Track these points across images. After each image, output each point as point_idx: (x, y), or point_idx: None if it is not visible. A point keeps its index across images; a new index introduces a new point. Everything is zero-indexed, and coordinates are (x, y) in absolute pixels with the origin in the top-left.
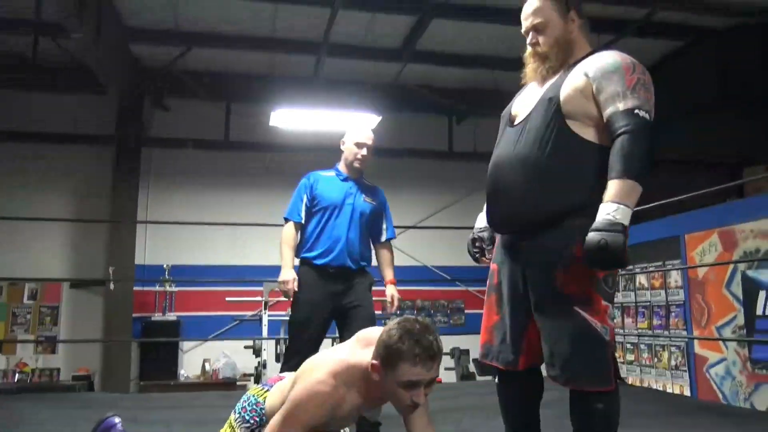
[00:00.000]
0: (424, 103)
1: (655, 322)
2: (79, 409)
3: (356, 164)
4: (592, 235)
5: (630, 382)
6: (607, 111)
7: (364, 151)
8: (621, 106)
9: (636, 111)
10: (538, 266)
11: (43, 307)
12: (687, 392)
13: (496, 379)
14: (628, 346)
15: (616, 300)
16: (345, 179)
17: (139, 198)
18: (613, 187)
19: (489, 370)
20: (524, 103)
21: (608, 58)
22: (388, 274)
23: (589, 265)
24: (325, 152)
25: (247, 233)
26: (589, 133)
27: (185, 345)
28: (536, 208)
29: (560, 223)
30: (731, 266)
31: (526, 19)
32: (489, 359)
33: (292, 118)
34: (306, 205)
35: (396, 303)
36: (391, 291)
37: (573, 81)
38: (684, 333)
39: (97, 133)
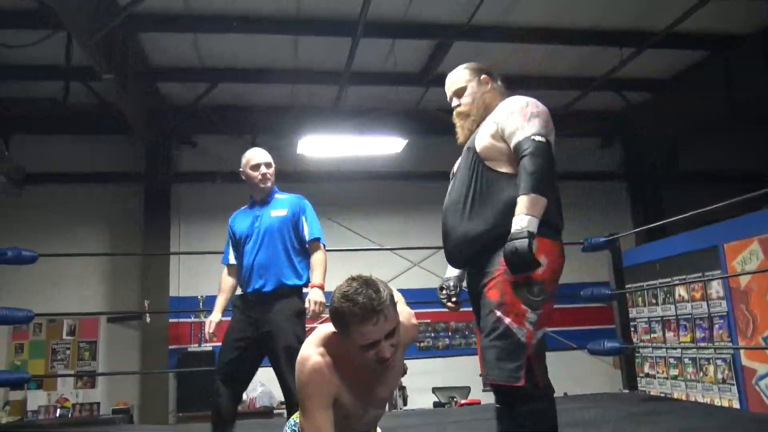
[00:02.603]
0: (448, 125)
1: (698, 334)
2: None
3: (261, 184)
4: (506, 245)
5: (675, 398)
6: (512, 144)
7: (263, 169)
8: (520, 135)
9: (532, 137)
10: (480, 284)
11: (81, 342)
12: (736, 406)
13: None
14: (671, 360)
15: (655, 313)
16: (253, 205)
17: (171, 232)
18: (520, 202)
19: None
20: (459, 158)
21: (509, 104)
22: (313, 277)
23: (510, 270)
24: (352, 179)
25: None
26: (506, 167)
27: None
28: (468, 241)
29: (490, 246)
30: None
31: (449, 89)
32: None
33: (318, 147)
34: (232, 245)
35: (314, 308)
36: (310, 295)
37: (487, 129)
38: (730, 345)
39: (127, 171)
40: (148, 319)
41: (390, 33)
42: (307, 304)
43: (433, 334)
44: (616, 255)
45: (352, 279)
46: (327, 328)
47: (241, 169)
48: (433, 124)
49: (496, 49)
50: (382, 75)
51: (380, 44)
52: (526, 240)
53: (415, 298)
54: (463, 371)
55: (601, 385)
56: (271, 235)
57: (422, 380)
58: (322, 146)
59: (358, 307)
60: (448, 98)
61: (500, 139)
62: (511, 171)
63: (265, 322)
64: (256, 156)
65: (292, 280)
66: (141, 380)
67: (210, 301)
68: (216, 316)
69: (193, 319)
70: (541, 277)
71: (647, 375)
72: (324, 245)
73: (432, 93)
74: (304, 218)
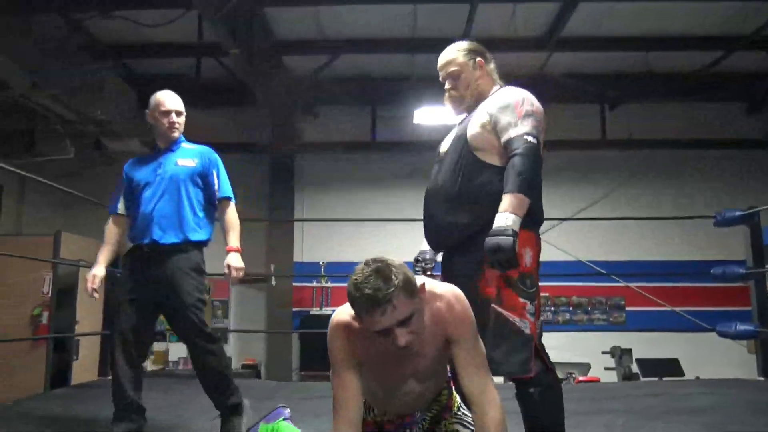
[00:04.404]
0: (572, 91)
1: None
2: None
3: (169, 133)
4: (488, 240)
5: None
6: (503, 138)
7: (173, 117)
8: (513, 133)
9: (525, 136)
10: (466, 277)
11: (215, 301)
12: None
13: None
14: None
15: None
16: (157, 152)
17: (295, 199)
18: (506, 200)
19: (653, 370)
20: (446, 141)
21: (504, 96)
22: (228, 240)
23: (491, 265)
24: None
25: (395, 229)
26: (494, 159)
27: None
28: (455, 229)
29: (477, 238)
30: None
31: (442, 69)
32: None
33: (435, 116)
34: (125, 193)
35: (234, 274)
36: (227, 260)
37: (478, 119)
38: None
39: (255, 141)
40: (273, 282)
41: None
42: (226, 270)
43: (552, 308)
44: (755, 230)
45: (366, 264)
46: None
47: (148, 111)
48: (557, 91)
49: (627, 9)
50: (502, 41)
51: (500, 8)
52: (511, 238)
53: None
54: (585, 347)
55: (734, 370)
56: (175, 185)
57: None
58: (439, 115)
59: (364, 299)
60: (441, 77)
61: (491, 131)
62: (498, 164)
63: (161, 279)
64: (167, 101)
65: (195, 235)
66: (268, 339)
67: (331, 267)
68: (100, 270)
69: (315, 284)
70: (529, 269)
71: None
72: (234, 202)
73: (556, 58)
74: (215, 172)
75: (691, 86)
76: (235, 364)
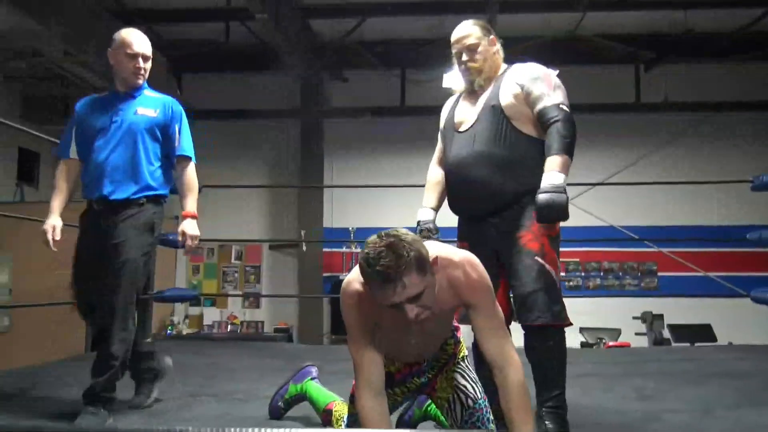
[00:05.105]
0: (606, 53)
1: None
2: (274, 357)
3: (134, 78)
4: (542, 196)
5: None
6: (538, 107)
7: (140, 63)
8: (548, 102)
9: (560, 105)
10: (508, 234)
11: (247, 266)
12: None
13: None
14: None
15: None
16: (115, 95)
17: (324, 165)
18: (554, 160)
19: (685, 336)
20: (466, 112)
21: (532, 69)
22: (184, 205)
23: (540, 219)
24: None
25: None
26: (530, 130)
27: None
28: (501, 192)
29: (520, 200)
30: None
31: (459, 42)
32: None
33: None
34: (77, 136)
35: (189, 242)
36: (182, 227)
37: (509, 89)
38: None
39: (283, 107)
40: (304, 248)
41: None
42: (180, 237)
43: (583, 274)
44: None
45: (380, 238)
46: None
47: (110, 50)
48: (590, 52)
49: None
50: (533, 1)
51: None
52: (565, 195)
53: (565, 236)
54: (614, 313)
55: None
56: (132, 135)
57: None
58: None
59: (375, 274)
60: (455, 51)
61: (522, 102)
62: (533, 134)
63: (112, 234)
64: (135, 43)
65: (150, 190)
66: (299, 304)
67: (360, 233)
68: (57, 220)
69: (344, 249)
70: (558, 232)
71: None
72: (194, 163)
73: (589, 18)
74: (177, 126)
75: (730, 46)
76: (268, 328)
